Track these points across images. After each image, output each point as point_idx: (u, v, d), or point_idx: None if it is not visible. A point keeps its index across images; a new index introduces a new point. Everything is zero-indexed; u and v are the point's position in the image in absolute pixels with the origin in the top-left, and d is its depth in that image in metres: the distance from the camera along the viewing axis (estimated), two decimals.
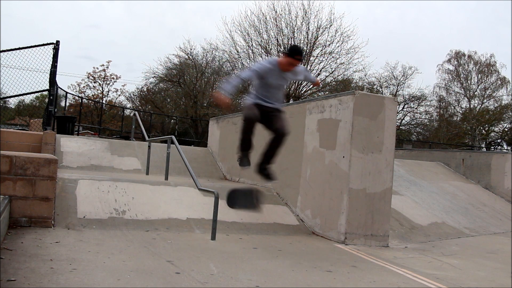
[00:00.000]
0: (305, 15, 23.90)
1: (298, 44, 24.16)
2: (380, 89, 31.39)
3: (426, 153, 14.31)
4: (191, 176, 6.45)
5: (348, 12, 53.70)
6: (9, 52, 9.07)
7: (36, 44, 9.33)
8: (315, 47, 24.27)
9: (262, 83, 4.90)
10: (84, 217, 5.45)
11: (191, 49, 28.14)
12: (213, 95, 5.46)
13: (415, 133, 34.75)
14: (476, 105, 33.93)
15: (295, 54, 4.74)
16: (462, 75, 34.23)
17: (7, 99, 11.70)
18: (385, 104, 6.15)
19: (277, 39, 24.33)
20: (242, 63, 25.85)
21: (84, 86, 34.82)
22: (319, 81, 5.64)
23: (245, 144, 4.98)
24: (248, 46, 24.91)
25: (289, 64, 4.78)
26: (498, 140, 35.90)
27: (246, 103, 5.10)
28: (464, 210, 9.03)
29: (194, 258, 4.34)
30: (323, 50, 24.47)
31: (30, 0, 65.01)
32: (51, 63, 9.42)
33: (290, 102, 21.33)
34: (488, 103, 34.01)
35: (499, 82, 33.60)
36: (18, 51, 9.14)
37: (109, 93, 35.70)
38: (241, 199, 5.23)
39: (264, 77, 4.83)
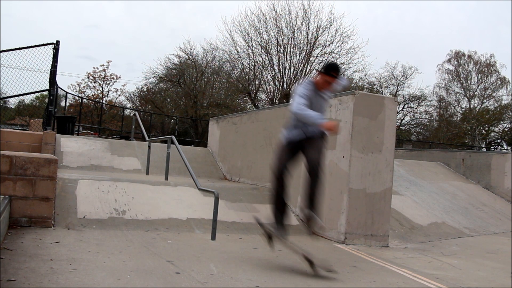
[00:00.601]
0: (305, 15, 23.91)
1: (299, 44, 24.19)
2: (380, 89, 31.39)
3: (426, 153, 14.31)
4: (191, 176, 6.46)
5: (348, 12, 53.79)
6: (9, 52, 9.08)
7: (36, 44, 9.34)
8: (315, 47, 24.28)
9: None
10: (84, 217, 5.45)
11: (191, 49, 28.16)
12: (327, 127, 4.72)
13: (415, 133, 34.75)
14: (476, 105, 33.95)
15: (330, 70, 4.35)
16: (462, 75, 34.24)
17: (7, 99, 11.69)
18: (385, 104, 6.15)
19: (277, 39, 24.33)
20: (242, 63, 25.89)
21: (84, 86, 34.86)
22: None
23: (277, 203, 4.32)
24: (248, 46, 24.93)
25: (325, 82, 4.39)
26: (498, 140, 35.90)
27: (284, 142, 4.46)
28: (464, 210, 9.03)
29: (194, 258, 4.34)
30: (323, 50, 24.49)
31: (30, 0, 65.02)
32: (51, 63, 9.42)
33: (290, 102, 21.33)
34: (488, 103, 34.04)
35: (499, 82, 33.63)
36: (18, 51, 9.14)
37: (109, 93, 35.75)
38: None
39: (308, 102, 4.33)
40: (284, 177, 4.32)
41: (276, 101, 24.72)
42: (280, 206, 4.37)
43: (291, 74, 24.75)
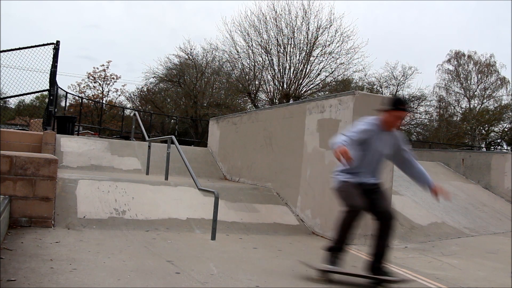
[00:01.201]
0: (305, 15, 23.90)
1: (299, 44, 24.17)
2: (380, 89, 31.37)
3: (426, 153, 14.31)
4: (191, 176, 6.46)
5: (348, 12, 53.80)
6: (9, 52, 9.08)
7: (36, 44, 9.34)
8: (315, 47, 24.26)
9: (360, 153, 3.89)
10: (84, 217, 5.45)
11: (191, 49, 28.15)
12: (337, 153, 3.62)
13: (415, 133, 34.71)
14: (476, 105, 33.92)
15: (398, 104, 3.86)
16: (462, 75, 34.22)
17: (7, 99, 11.69)
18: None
19: (277, 39, 24.33)
20: (242, 63, 25.89)
21: (84, 86, 34.85)
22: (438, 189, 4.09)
23: (342, 239, 3.94)
24: (248, 46, 24.93)
25: (395, 119, 3.86)
26: (498, 140, 35.90)
27: (341, 183, 3.98)
28: (464, 210, 9.03)
29: (194, 258, 4.34)
30: (323, 50, 24.47)
31: (30, 0, 65.01)
32: (51, 63, 9.42)
33: (290, 102, 21.34)
34: (488, 103, 34.01)
35: (499, 82, 33.59)
36: (18, 51, 9.14)
37: (109, 93, 35.73)
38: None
39: (364, 144, 3.87)
40: (360, 214, 3.84)
41: (276, 101, 24.72)
42: (344, 240, 3.94)
43: (291, 74, 24.75)
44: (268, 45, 24.56)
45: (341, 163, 3.66)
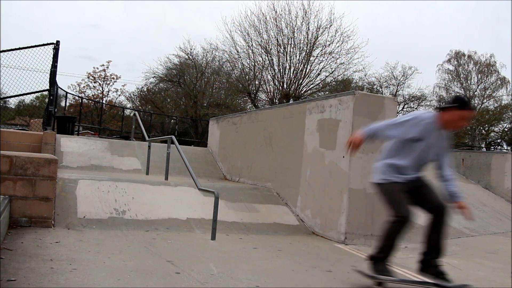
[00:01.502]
0: (305, 15, 23.92)
1: (299, 44, 24.17)
2: (380, 89, 31.38)
3: None
4: (191, 176, 6.46)
5: (348, 12, 53.83)
6: (9, 52, 9.08)
7: (36, 44, 9.35)
8: (315, 47, 24.29)
9: (410, 148, 3.68)
10: (84, 217, 5.45)
11: (191, 49, 28.18)
12: (350, 139, 3.88)
13: None
14: (476, 105, 33.93)
15: (466, 104, 3.64)
16: (462, 75, 34.26)
17: (7, 99, 11.70)
18: (385, 104, 6.15)
19: (277, 39, 24.34)
20: (242, 63, 25.90)
21: (84, 86, 34.90)
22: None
23: (388, 250, 3.72)
24: (248, 46, 24.95)
25: (461, 119, 3.63)
26: (498, 140, 35.91)
27: (387, 183, 3.74)
28: None
29: (194, 258, 4.34)
30: (323, 50, 24.49)
31: (30, 0, 65.02)
32: (51, 63, 9.43)
33: (290, 102, 21.33)
34: (488, 103, 34.04)
35: (499, 82, 33.64)
36: (18, 51, 9.15)
37: (109, 93, 35.78)
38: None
39: (416, 140, 3.65)
40: (409, 223, 3.63)
41: (276, 101, 24.73)
42: (391, 249, 3.73)
43: (291, 74, 24.76)
44: (268, 45, 24.59)
45: (346, 148, 3.63)
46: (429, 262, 3.73)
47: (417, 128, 3.64)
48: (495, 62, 33.76)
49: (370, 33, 55.34)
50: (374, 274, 3.70)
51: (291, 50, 24.45)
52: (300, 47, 24.35)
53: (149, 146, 8.93)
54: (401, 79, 32.03)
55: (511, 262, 5.45)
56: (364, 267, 3.97)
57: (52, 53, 9.38)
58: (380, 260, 3.74)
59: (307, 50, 24.19)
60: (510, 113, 33.51)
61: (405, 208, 3.59)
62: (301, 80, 24.90)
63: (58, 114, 12.58)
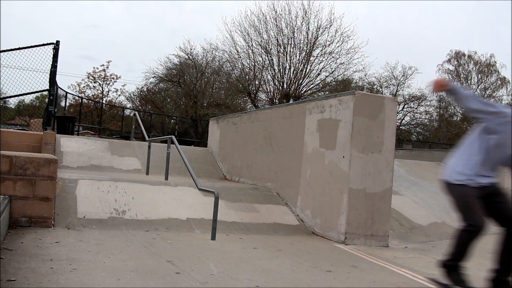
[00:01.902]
0: (305, 15, 23.92)
1: (299, 44, 24.15)
2: (380, 89, 31.38)
3: (426, 153, 14.33)
4: (191, 176, 6.46)
5: (348, 12, 53.87)
6: (9, 52, 9.09)
7: (36, 44, 9.36)
8: (315, 47, 24.29)
9: (488, 146, 3.44)
10: (84, 217, 5.45)
11: (191, 49, 28.15)
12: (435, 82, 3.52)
13: (415, 133, 34.74)
14: None
15: None
16: (462, 75, 34.26)
17: (7, 99, 11.70)
18: (385, 104, 6.15)
19: (277, 39, 24.34)
20: (242, 63, 25.90)
21: (84, 86, 34.85)
22: None
23: (459, 257, 3.58)
24: (248, 46, 24.94)
25: None
26: None
27: (460, 187, 3.51)
28: None
29: (194, 258, 4.34)
30: (323, 50, 24.49)
31: (30, 0, 65.02)
32: (51, 63, 9.43)
33: (290, 102, 21.34)
34: None
35: (499, 82, 33.66)
36: (18, 51, 9.15)
37: (109, 93, 35.74)
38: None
39: (497, 138, 3.39)
40: (480, 234, 3.45)
41: (276, 101, 24.73)
42: (463, 256, 3.62)
43: (291, 74, 24.76)
44: (268, 45, 24.59)
45: (431, 87, 3.49)
46: (502, 280, 3.53)
47: (500, 121, 3.40)
48: (495, 62, 33.81)
49: (370, 33, 55.38)
50: (450, 284, 3.54)
51: (291, 50, 24.47)
52: (300, 47, 24.36)
53: (149, 146, 8.93)
54: (401, 79, 32.05)
55: None
56: (437, 274, 3.82)
57: (52, 53, 9.38)
58: (453, 268, 3.58)
59: (307, 50, 24.20)
60: None
61: (479, 218, 3.40)
62: (301, 80, 24.90)
63: (58, 114, 12.58)
